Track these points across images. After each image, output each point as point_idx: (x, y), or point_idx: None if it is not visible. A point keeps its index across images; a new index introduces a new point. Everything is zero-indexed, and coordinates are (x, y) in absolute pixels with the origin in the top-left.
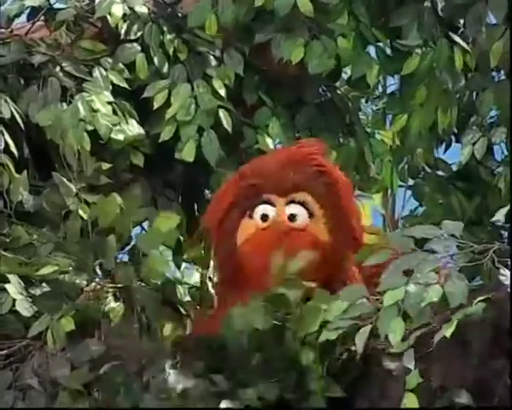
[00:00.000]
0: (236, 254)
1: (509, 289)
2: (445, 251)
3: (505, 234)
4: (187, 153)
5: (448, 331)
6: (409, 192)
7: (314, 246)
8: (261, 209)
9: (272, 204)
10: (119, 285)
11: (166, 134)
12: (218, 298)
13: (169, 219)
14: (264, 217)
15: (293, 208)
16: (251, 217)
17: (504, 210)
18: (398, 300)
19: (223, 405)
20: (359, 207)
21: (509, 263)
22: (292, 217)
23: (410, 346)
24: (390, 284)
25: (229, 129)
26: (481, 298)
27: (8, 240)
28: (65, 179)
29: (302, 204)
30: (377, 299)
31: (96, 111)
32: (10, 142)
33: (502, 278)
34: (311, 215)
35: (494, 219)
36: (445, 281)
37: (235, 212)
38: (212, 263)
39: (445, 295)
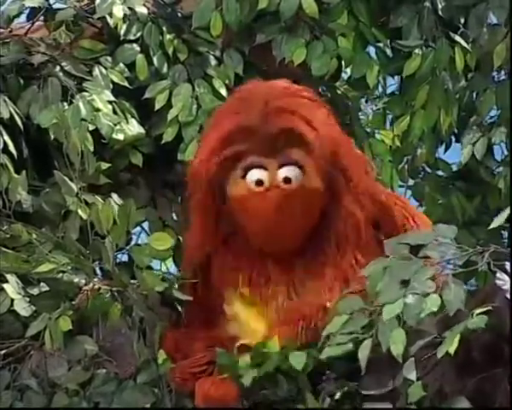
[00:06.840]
0: (228, 210)
1: (507, 294)
2: (440, 257)
3: (505, 234)
4: (190, 154)
5: (452, 348)
6: (409, 192)
7: (311, 202)
8: (255, 174)
9: (265, 168)
10: (115, 288)
11: (169, 135)
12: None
13: (162, 239)
14: (259, 182)
15: (287, 171)
16: (244, 177)
17: (504, 215)
18: (397, 313)
19: None
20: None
21: (505, 266)
22: (287, 180)
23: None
24: (388, 298)
25: None
26: (482, 310)
27: (7, 236)
28: (66, 178)
29: (294, 164)
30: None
31: (97, 110)
32: (9, 142)
33: (500, 282)
34: (303, 170)
35: (493, 225)
36: (442, 288)
37: (224, 170)
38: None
39: (443, 302)
